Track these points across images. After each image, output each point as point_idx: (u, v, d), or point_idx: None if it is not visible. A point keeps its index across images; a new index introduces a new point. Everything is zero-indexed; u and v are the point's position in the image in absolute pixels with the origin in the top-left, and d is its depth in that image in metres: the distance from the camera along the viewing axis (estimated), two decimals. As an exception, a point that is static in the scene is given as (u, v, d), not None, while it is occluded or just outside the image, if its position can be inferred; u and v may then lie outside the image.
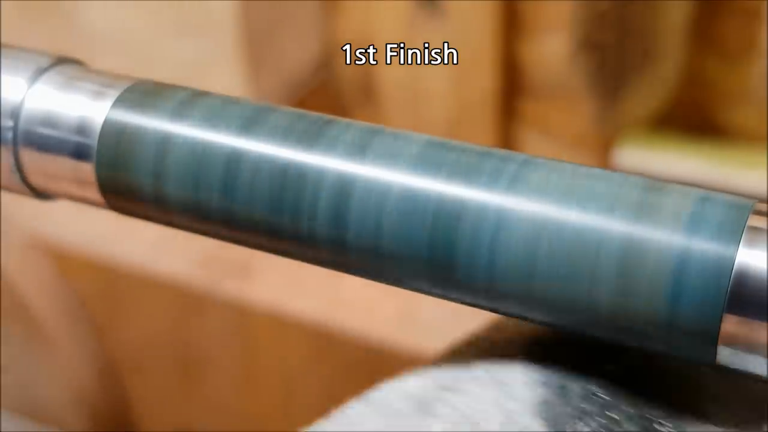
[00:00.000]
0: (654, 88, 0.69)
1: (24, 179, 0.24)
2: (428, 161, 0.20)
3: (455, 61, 0.65)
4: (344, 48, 0.70)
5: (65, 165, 0.23)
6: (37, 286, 0.69)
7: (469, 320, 0.24)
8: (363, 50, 0.70)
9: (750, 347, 0.18)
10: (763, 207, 0.19)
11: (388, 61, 0.69)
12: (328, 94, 0.71)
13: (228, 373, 0.61)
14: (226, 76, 0.64)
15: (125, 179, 0.23)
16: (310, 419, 0.21)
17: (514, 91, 0.67)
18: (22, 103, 0.24)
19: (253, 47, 0.64)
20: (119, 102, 0.23)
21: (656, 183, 0.20)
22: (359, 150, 0.21)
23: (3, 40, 0.25)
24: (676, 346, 0.19)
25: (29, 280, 0.69)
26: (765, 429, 0.20)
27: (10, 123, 0.24)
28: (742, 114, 0.68)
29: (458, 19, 0.64)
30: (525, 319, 0.20)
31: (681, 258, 0.18)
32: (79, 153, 0.23)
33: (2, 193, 0.26)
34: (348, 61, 0.71)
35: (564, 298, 0.19)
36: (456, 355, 0.22)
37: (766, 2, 0.64)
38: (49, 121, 0.23)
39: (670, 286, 0.18)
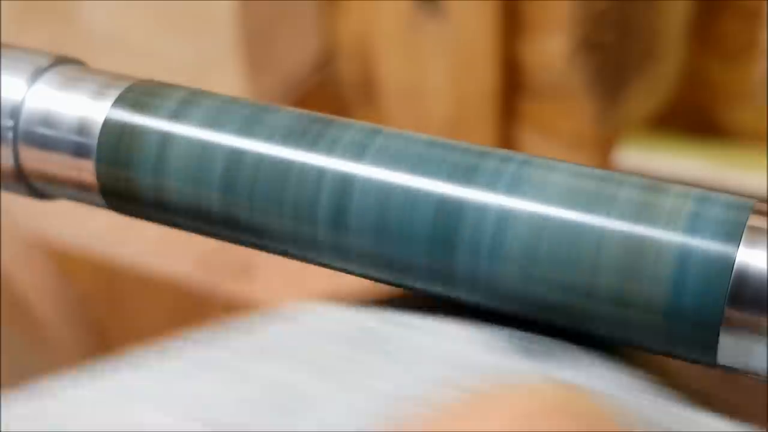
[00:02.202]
0: (654, 88, 0.69)
1: (24, 179, 0.24)
2: (428, 161, 0.20)
3: (455, 61, 0.65)
4: (344, 48, 0.70)
5: (65, 165, 0.23)
6: (37, 286, 0.69)
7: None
8: (363, 50, 0.70)
9: (750, 348, 0.18)
10: (763, 207, 0.19)
11: (388, 61, 0.69)
12: (328, 94, 0.71)
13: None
14: (226, 76, 0.64)
15: (125, 179, 0.23)
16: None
17: (514, 91, 0.67)
18: (22, 102, 0.24)
19: (253, 47, 0.64)
20: (119, 102, 0.23)
21: (656, 183, 0.20)
22: (359, 150, 0.21)
23: (3, 40, 0.25)
24: (676, 346, 0.19)
25: (29, 280, 0.69)
26: None
27: (10, 123, 0.24)
28: (742, 114, 0.69)
29: (458, 19, 0.64)
30: (526, 317, 0.20)
31: (681, 258, 0.18)
32: (79, 153, 0.23)
33: (2, 193, 0.26)
34: (348, 61, 0.71)
35: (564, 298, 0.19)
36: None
37: (766, 2, 0.64)
38: (49, 121, 0.23)
39: (670, 287, 0.18)
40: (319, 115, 0.22)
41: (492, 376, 0.18)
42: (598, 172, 0.20)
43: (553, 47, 0.63)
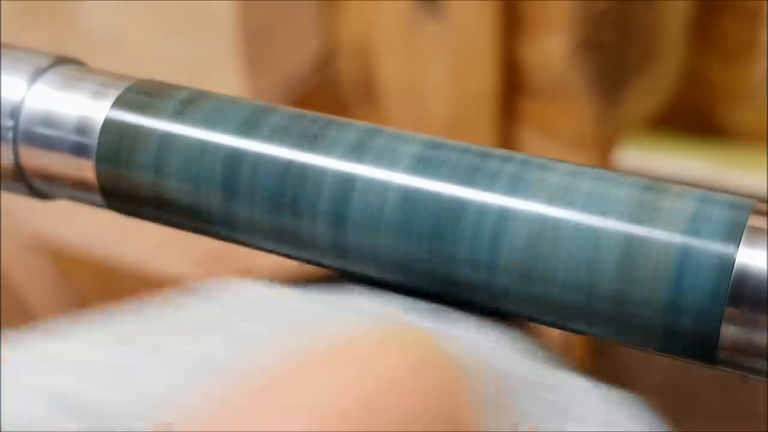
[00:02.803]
0: (654, 88, 0.69)
1: (24, 179, 0.24)
2: (428, 161, 0.20)
3: (455, 61, 0.66)
4: (344, 48, 0.70)
5: (65, 165, 0.23)
6: (37, 286, 0.69)
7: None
8: (363, 50, 0.70)
9: (750, 347, 0.18)
10: (763, 207, 0.19)
11: (388, 61, 0.69)
12: (328, 94, 0.71)
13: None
14: (226, 76, 0.64)
15: (125, 179, 0.23)
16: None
17: (514, 91, 0.67)
18: (22, 102, 0.24)
19: (253, 47, 0.64)
20: (119, 102, 0.23)
21: (656, 183, 0.20)
22: (359, 150, 0.21)
23: (3, 40, 0.25)
24: (676, 346, 0.19)
25: (29, 280, 0.69)
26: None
27: (10, 123, 0.24)
28: (742, 114, 0.69)
29: (458, 19, 0.64)
30: (526, 318, 0.20)
31: (681, 258, 0.18)
32: (79, 152, 0.23)
33: (2, 193, 0.26)
34: (348, 61, 0.71)
35: (564, 298, 0.19)
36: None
37: (766, 2, 0.64)
38: (49, 121, 0.23)
39: (670, 287, 0.18)
40: (319, 115, 0.22)
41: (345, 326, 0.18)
42: (598, 172, 0.20)
43: (553, 47, 0.63)
